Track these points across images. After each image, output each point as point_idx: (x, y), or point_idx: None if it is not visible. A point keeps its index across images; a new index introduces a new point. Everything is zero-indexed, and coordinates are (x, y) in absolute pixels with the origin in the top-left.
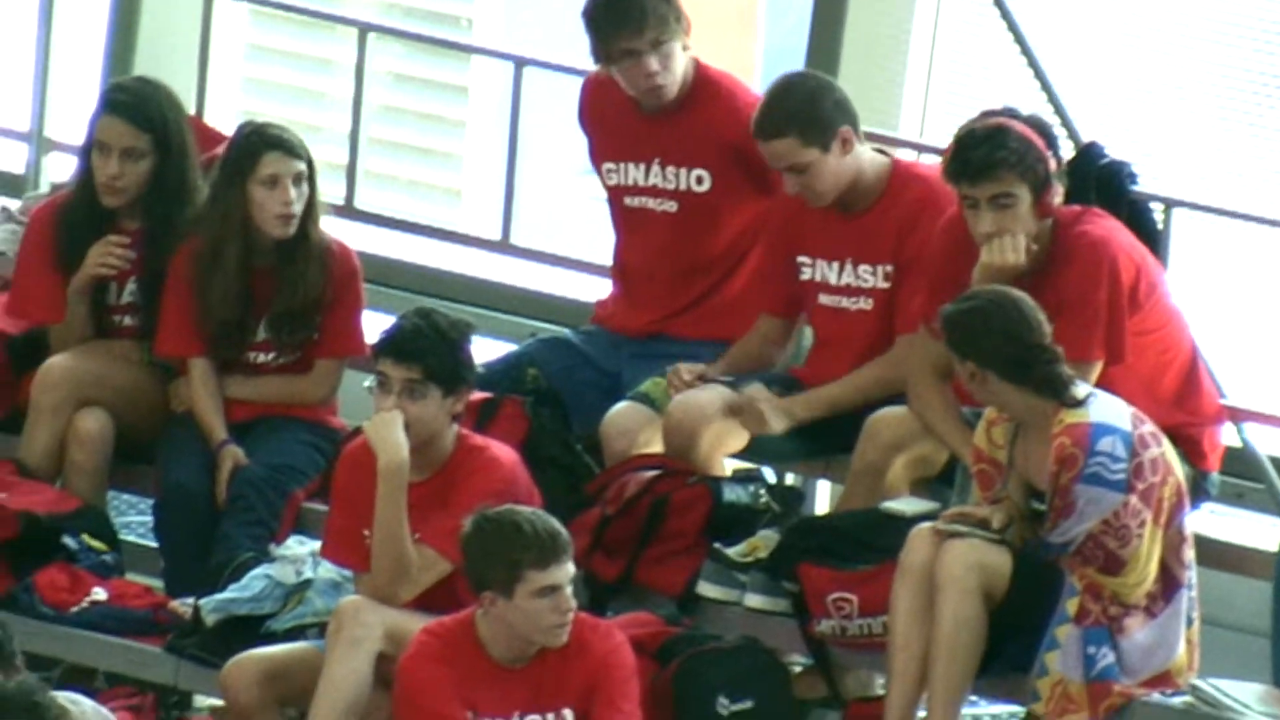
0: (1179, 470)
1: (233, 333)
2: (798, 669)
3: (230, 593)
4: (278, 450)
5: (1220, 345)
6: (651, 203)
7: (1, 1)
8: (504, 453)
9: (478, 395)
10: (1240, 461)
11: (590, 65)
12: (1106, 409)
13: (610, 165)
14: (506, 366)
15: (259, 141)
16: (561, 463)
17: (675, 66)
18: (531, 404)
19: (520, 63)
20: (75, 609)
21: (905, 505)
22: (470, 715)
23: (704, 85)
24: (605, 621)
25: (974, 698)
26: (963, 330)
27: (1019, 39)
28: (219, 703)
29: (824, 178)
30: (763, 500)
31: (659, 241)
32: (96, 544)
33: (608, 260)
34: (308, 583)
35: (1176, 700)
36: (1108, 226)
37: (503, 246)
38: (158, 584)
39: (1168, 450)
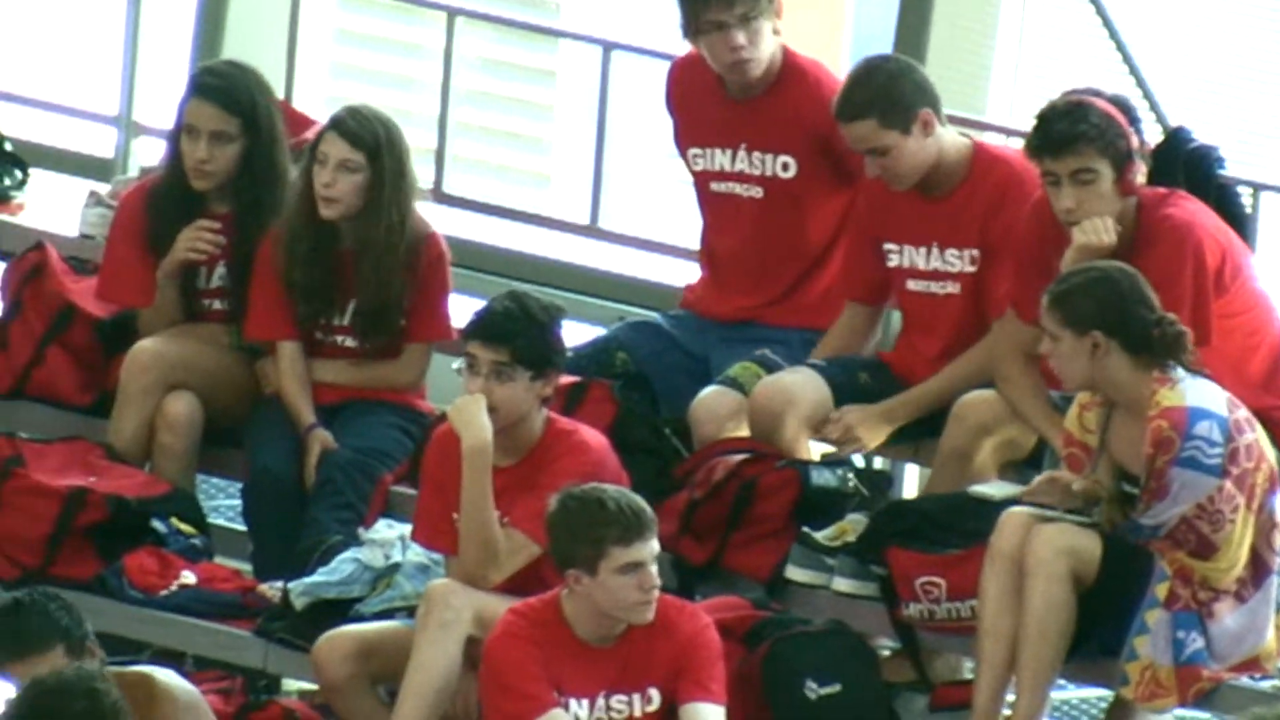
0: (1271, 455)
1: (319, 316)
2: (886, 653)
3: (319, 576)
4: (366, 434)
5: None
6: (739, 189)
7: None
8: (593, 436)
9: (566, 379)
10: None
11: (678, 49)
12: (1203, 393)
13: (696, 150)
14: (595, 351)
15: (328, 121)
16: (649, 447)
17: (762, 45)
18: (620, 388)
19: (609, 46)
20: (164, 593)
21: (993, 489)
22: (557, 694)
23: (791, 72)
24: (691, 603)
25: (1062, 681)
26: (1093, 299)
27: (1107, 22)
28: (308, 686)
29: (904, 160)
30: (851, 484)
31: (746, 227)
32: (185, 527)
33: (696, 244)
34: (396, 566)
35: (1265, 684)
36: (1192, 209)
37: (591, 231)
38: (246, 568)
39: (1261, 436)
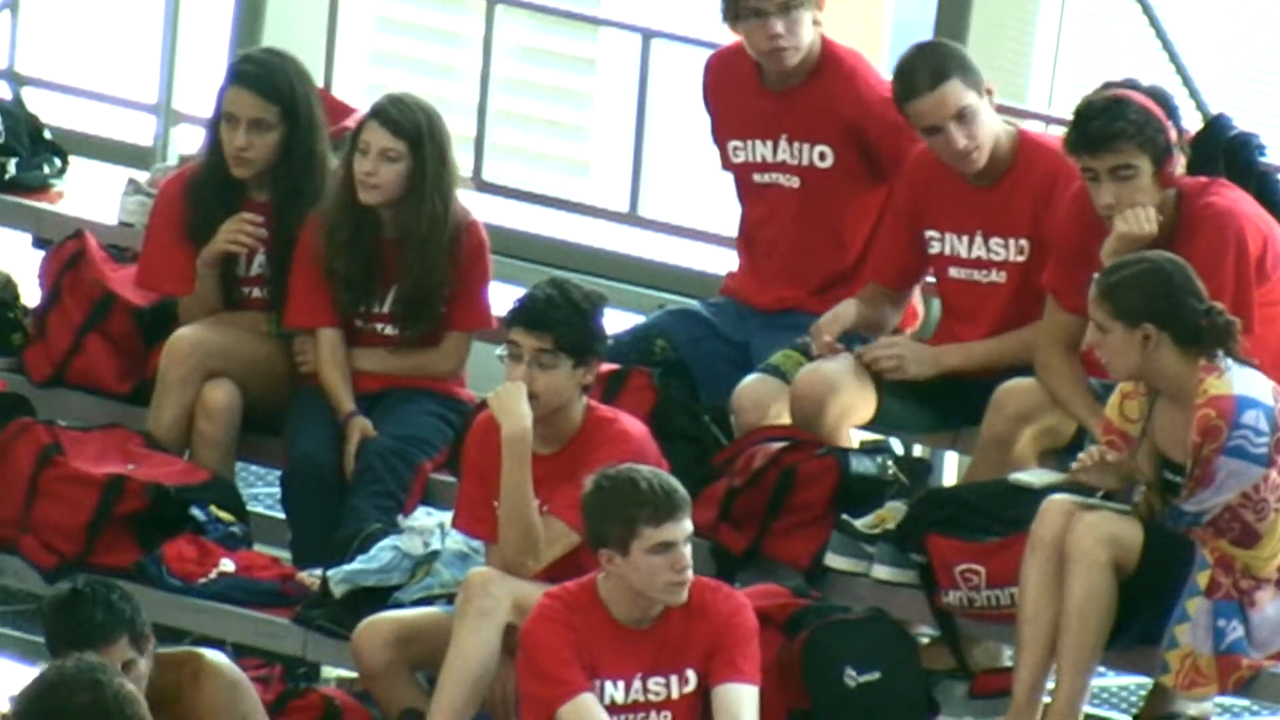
0: None
1: (359, 305)
2: (925, 640)
3: (358, 564)
4: (405, 422)
5: None
6: (781, 178)
7: None
8: (633, 425)
9: (606, 366)
10: None
11: (718, 37)
12: (1250, 382)
13: (737, 143)
14: (634, 338)
15: (370, 109)
16: (689, 434)
17: (801, 34)
18: (659, 375)
19: (648, 35)
20: (203, 580)
21: (1033, 476)
22: (594, 680)
23: (830, 62)
24: (727, 585)
25: (1102, 669)
26: (1144, 292)
27: (1147, 9)
28: (347, 673)
29: (984, 127)
30: (890, 472)
31: (784, 217)
32: (224, 515)
33: (735, 232)
34: (435, 554)
35: None
36: (1233, 197)
37: (630, 218)
38: (285, 555)
39: None
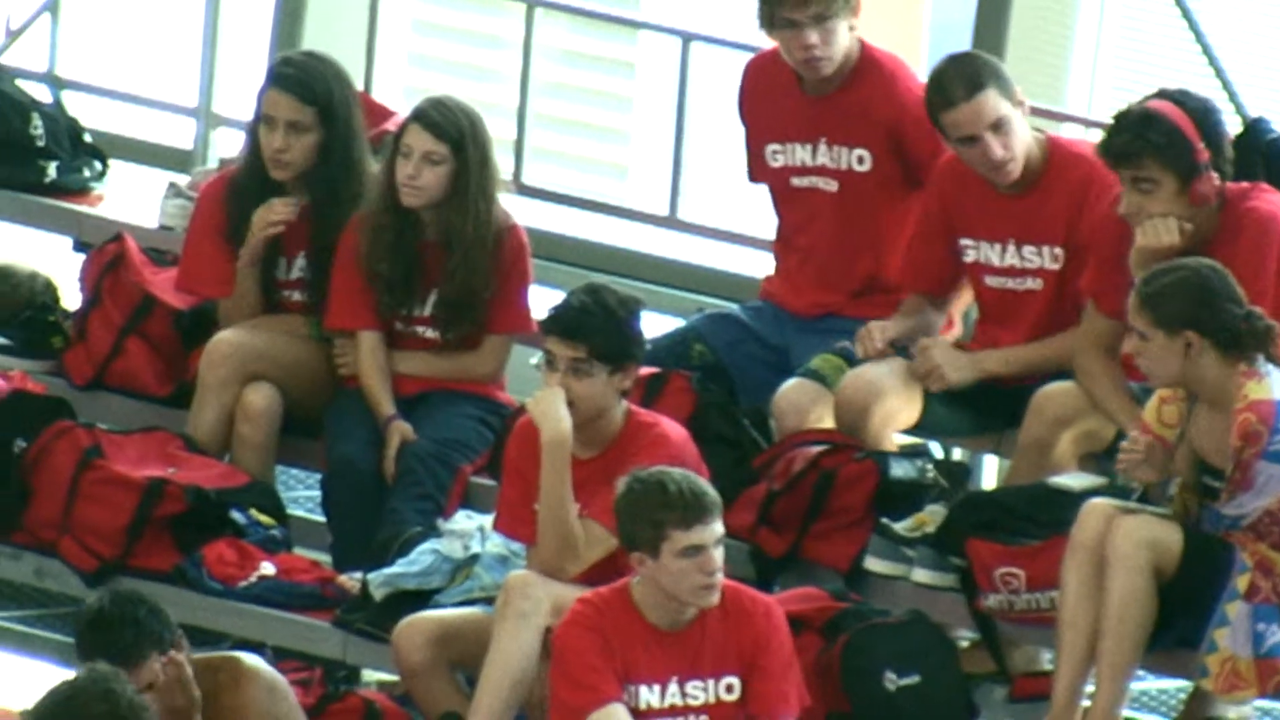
0: None
1: (401, 301)
2: (965, 644)
3: (398, 567)
4: (445, 425)
5: None
6: (819, 182)
7: None
8: (673, 428)
9: (645, 370)
10: None
11: (758, 40)
12: None
13: (776, 146)
14: (672, 343)
15: (412, 112)
16: (728, 438)
17: (836, 43)
18: (699, 379)
19: (688, 38)
20: (243, 584)
21: (1073, 480)
22: (629, 684)
23: (868, 65)
24: (766, 597)
25: (1141, 673)
26: (1185, 299)
27: (1186, 13)
28: (387, 677)
29: (1018, 137)
30: (930, 475)
31: (822, 221)
32: (264, 518)
33: (774, 235)
34: (475, 557)
35: None
36: (1274, 201)
37: (670, 222)
38: (325, 558)
39: None
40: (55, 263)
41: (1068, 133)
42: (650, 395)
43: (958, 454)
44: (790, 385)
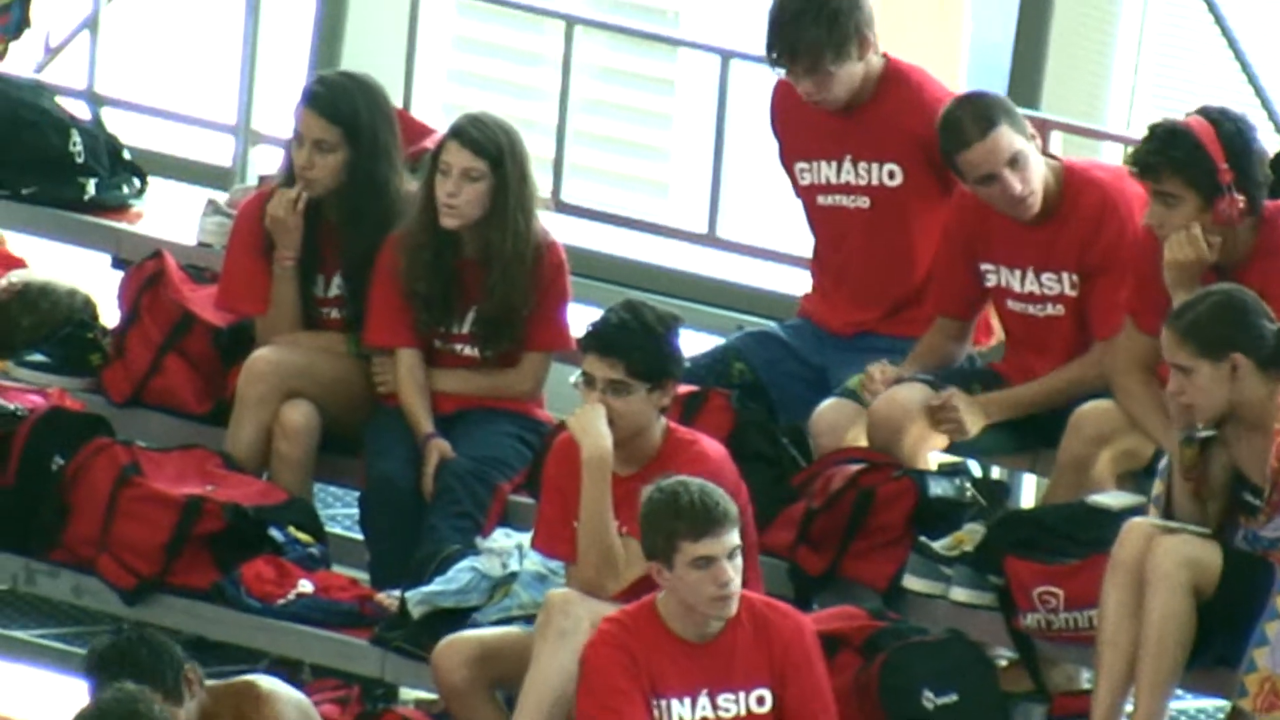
0: None
1: (439, 319)
2: (1003, 663)
3: (436, 585)
4: (484, 443)
5: None
6: (845, 200)
7: None
8: (712, 446)
9: (684, 388)
10: None
11: None
12: None
13: (803, 165)
14: (712, 361)
15: (450, 130)
16: (767, 456)
17: (835, 87)
18: (738, 397)
19: (727, 55)
20: (281, 601)
21: (1111, 499)
22: (658, 698)
23: (893, 79)
24: (796, 611)
25: (1180, 692)
26: (1224, 323)
27: (1225, 31)
28: (425, 695)
29: (1034, 172)
30: (968, 494)
31: (854, 239)
32: (303, 536)
33: (811, 253)
34: (513, 575)
35: None
36: None
37: (709, 240)
38: (364, 576)
39: None
40: (94, 280)
41: (1107, 151)
42: (689, 413)
43: (996, 472)
44: (828, 405)
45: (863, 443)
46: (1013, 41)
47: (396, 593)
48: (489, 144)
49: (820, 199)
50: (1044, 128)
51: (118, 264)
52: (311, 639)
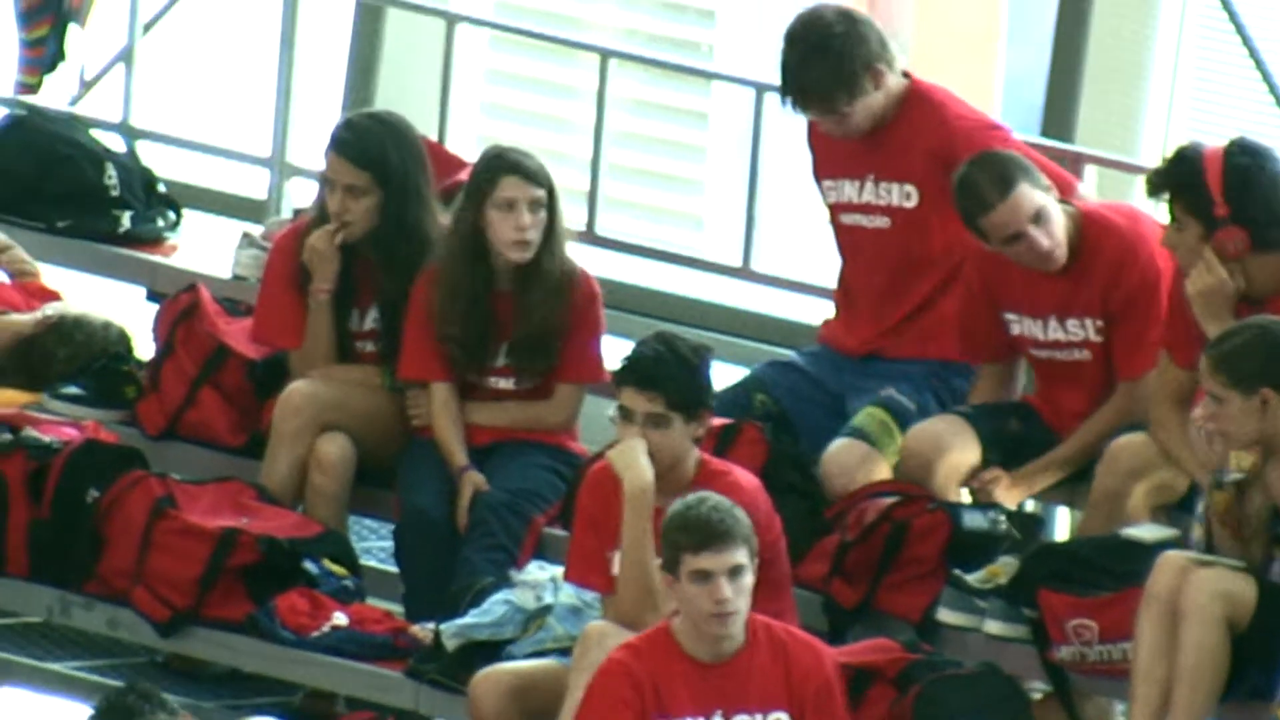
0: None
1: (473, 357)
2: (1037, 695)
3: (471, 618)
4: (518, 475)
5: None
6: (863, 220)
7: (244, 27)
8: (745, 477)
9: (717, 420)
10: None
11: None
12: None
13: (829, 183)
14: (734, 394)
15: (499, 165)
16: (800, 489)
17: (851, 122)
18: (770, 429)
19: (761, 88)
20: (316, 634)
21: (1146, 532)
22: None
23: (915, 99)
24: (813, 639)
25: None
26: (1257, 357)
27: (1259, 64)
28: None
29: (1056, 224)
30: (1002, 527)
31: (871, 258)
32: (337, 568)
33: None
34: (548, 608)
35: None
36: None
37: (743, 272)
38: (398, 609)
39: None
40: (128, 313)
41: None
42: (723, 446)
43: (1030, 505)
44: (837, 446)
45: (875, 478)
46: (1047, 75)
47: (431, 625)
48: (543, 174)
49: (843, 218)
50: (1078, 161)
51: (152, 297)
52: (345, 671)
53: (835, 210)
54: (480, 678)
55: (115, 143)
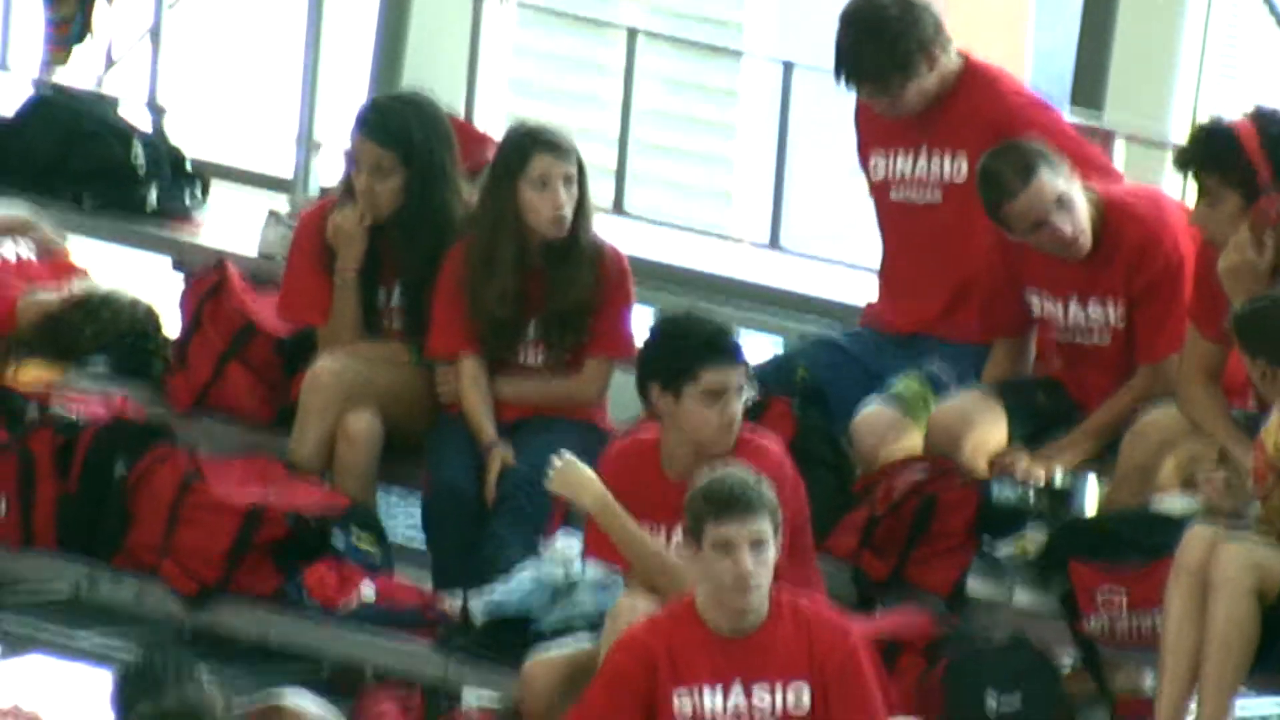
0: None
1: (504, 332)
2: (1067, 667)
3: (499, 592)
4: (547, 450)
5: None
6: (914, 195)
7: (271, 3)
8: (771, 442)
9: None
10: None
11: None
12: None
13: (879, 157)
14: (776, 366)
15: (529, 142)
16: (829, 462)
17: (905, 101)
18: (799, 404)
19: (790, 66)
20: (344, 606)
21: (1175, 504)
22: (690, 688)
23: (972, 73)
24: (839, 616)
25: (1244, 689)
26: (1257, 329)
27: None
28: (488, 698)
29: (1082, 211)
30: (1031, 499)
31: (921, 234)
32: (365, 542)
33: (876, 262)
34: (575, 582)
35: None
36: None
37: (772, 248)
38: (426, 582)
39: None
40: (155, 289)
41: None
42: (752, 420)
43: (1059, 478)
44: (870, 410)
45: (903, 446)
46: (1076, 51)
47: (459, 598)
48: (573, 147)
49: (893, 193)
50: (1108, 137)
51: (179, 266)
52: (374, 643)
53: (884, 187)
54: (535, 666)
55: (142, 119)
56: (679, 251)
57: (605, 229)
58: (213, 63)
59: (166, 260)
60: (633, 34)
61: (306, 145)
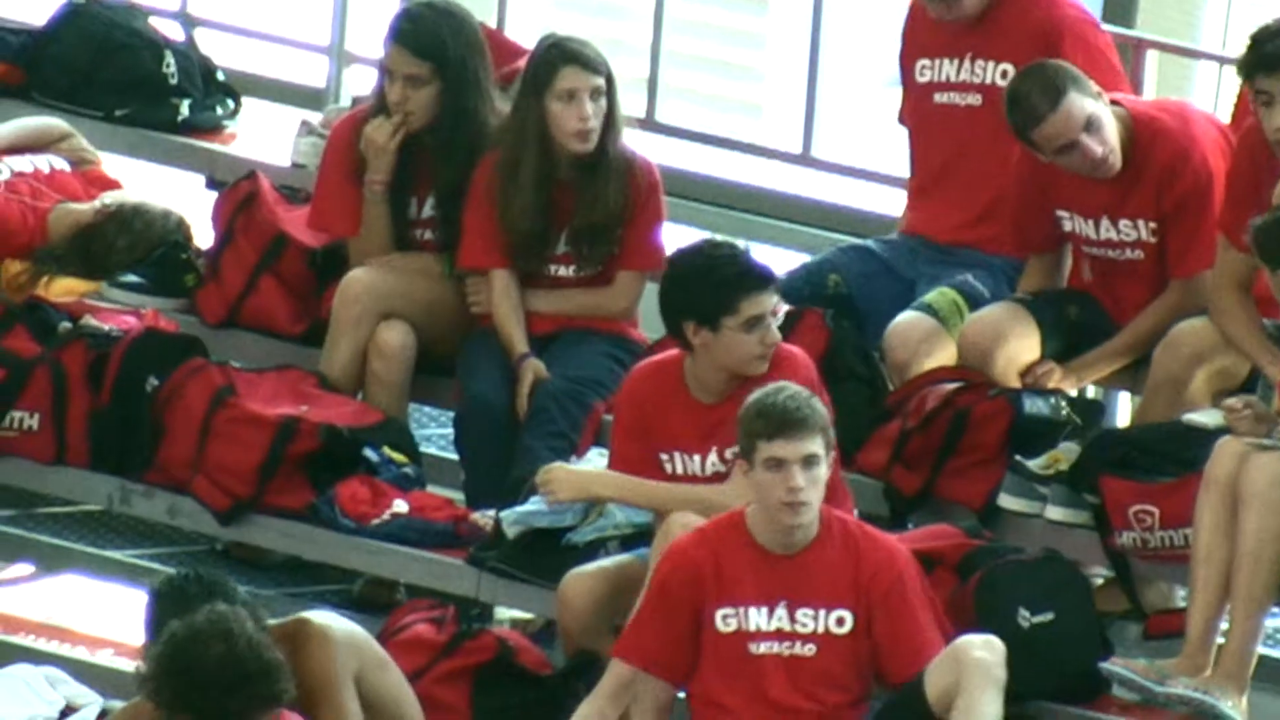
0: None
1: (533, 245)
2: (1098, 581)
3: (531, 505)
4: (578, 363)
5: None
6: (957, 98)
7: None
8: (796, 350)
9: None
10: None
11: None
12: None
13: (925, 61)
14: (808, 274)
15: (557, 55)
16: (861, 375)
17: (964, 3)
18: (832, 316)
19: None
20: (376, 521)
21: (1207, 417)
22: (734, 607)
23: None
24: (889, 538)
25: (1276, 609)
26: (1276, 239)
27: None
28: (521, 614)
29: (1111, 131)
30: (1064, 413)
31: (962, 139)
32: (397, 456)
33: (906, 173)
34: None
35: None
36: None
37: (803, 160)
38: (459, 496)
39: None
40: (188, 201)
41: (1202, 71)
42: (784, 332)
43: (1091, 391)
44: (903, 319)
45: (935, 357)
46: None
47: (491, 513)
48: (600, 60)
49: (936, 97)
50: (1139, 47)
51: (212, 185)
52: (406, 559)
53: (928, 90)
54: (572, 579)
55: (174, 31)
56: (710, 163)
57: (636, 140)
58: None
59: (199, 178)
60: None
61: (338, 56)
